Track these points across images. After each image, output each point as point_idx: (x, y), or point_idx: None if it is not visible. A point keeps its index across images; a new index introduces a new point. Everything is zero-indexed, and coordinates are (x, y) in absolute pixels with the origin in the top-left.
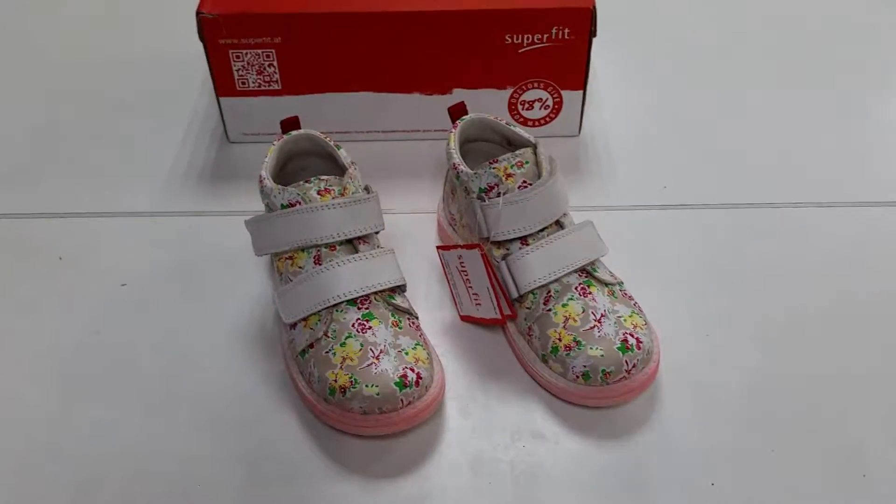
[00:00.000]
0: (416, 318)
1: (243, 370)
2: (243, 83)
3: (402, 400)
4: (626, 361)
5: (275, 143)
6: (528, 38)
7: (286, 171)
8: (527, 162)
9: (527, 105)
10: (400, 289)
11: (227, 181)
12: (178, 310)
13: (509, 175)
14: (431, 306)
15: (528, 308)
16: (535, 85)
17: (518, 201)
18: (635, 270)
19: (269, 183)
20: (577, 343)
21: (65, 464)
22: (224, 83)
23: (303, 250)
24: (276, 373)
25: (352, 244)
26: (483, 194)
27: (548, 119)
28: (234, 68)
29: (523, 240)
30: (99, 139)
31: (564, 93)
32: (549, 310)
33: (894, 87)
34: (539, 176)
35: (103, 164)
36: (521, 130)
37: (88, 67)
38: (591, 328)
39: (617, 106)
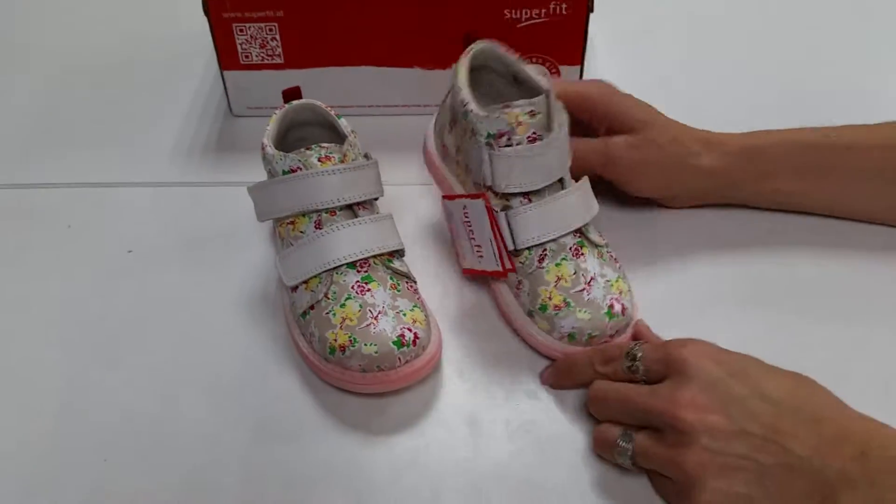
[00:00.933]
0: (415, 282)
1: (247, 333)
2: (247, 57)
3: (399, 358)
4: (611, 327)
5: (276, 111)
6: (526, 13)
7: (287, 140)
8: (539, 112)
9: None
10: (398, 253)
11: (231, 153)
12: (182, 276)
13: (520, 123)
14: (428, 274)
15: (521, 263)
16: (534, 60)
17: (529, 156)
18: (633, 254)
19: (270, 150)
20: (567, 304)
21: (72, 429)
22: (228, 57)
23: (304, 215)
24: (279, 335)
25: (352, 209)
26: (492, 140)
27: None
28: (238, 42)
29: (526, 195)
30: (105, 112)
31: (562, 68)
32: (543, 268)
33: None
34: (548, 128)
35: (110, 136)
36: (532, 72)
37: (96, 41)
38: (581, 290)
39: (614, 81)
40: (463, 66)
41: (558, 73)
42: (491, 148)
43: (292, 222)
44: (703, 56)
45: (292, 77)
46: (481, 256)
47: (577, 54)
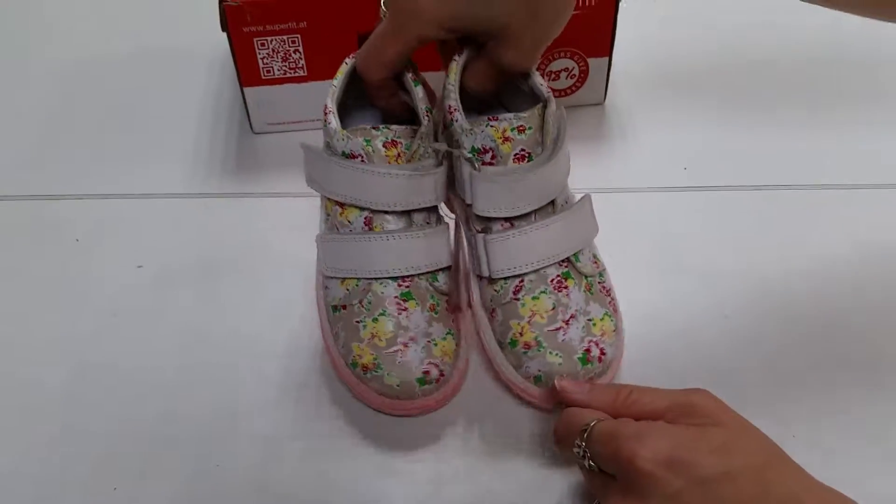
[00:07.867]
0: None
1: (259, 353)
2: (268, 71)
3: (419, 394)
4: (582, 375)
5: (347, 60)
6: None
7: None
8: (530, 127)
9: (553, 75)
10: (445, 269)
11: (250, 166)
12: (194, 292)
13: (507, 139)
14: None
15: (495, 290)
16: (562, 54)
17: (510, 179)
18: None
19: (334, 122)
20: (538, 343)
21: (81, 447)
22: (249, 72)
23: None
24: (292, 368)
25: (408, 213)
26: (474, 157)
27: (574, 88)
28: (259, 56)
29: (508, 220)
30: (118, 125)
31: (590, 60)
32: (518, 299)
33: None
34: (541, 144)
35: (122, 149)
36: (538, 80)
37: (110, 54)
38: (557, 329)
39: (641, 74)
40: (455, 68)
41: (586, 65)
42: (472, 166)
43: (341, 205)
44: (733, 47)
45: (316, 89)
46: None
47: (605, 46)
